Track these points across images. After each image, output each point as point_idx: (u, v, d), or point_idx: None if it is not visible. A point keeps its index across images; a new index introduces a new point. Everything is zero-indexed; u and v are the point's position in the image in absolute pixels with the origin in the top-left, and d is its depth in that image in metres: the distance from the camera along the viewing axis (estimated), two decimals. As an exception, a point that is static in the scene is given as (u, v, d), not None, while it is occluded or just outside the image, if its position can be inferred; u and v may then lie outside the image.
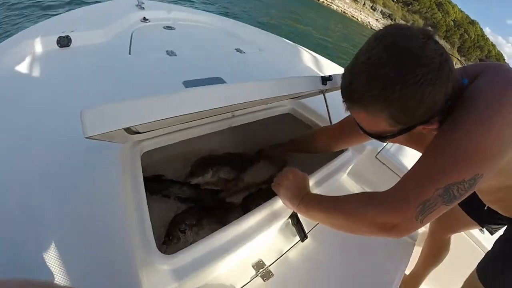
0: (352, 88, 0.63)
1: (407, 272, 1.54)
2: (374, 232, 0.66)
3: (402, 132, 0.66)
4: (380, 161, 1.36)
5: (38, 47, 1.40)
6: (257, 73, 1.62)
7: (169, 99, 0.57)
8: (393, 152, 1.43)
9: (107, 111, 0.50)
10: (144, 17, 2.12)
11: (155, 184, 1.15)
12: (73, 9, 2.16)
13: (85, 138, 0.49)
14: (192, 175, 1.23)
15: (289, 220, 0.98)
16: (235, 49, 1.97)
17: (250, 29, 2.55)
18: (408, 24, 0.68)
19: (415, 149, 0.86)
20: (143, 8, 2.25)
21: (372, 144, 1.34)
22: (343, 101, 0.67)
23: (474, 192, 1.06)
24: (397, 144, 1.51)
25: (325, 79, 0.96)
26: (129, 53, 1.55)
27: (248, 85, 0.68)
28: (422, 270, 1.48)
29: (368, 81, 0.60)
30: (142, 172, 0.82)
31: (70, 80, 1.24)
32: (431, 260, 1.44)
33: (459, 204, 1.20)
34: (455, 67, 0.72)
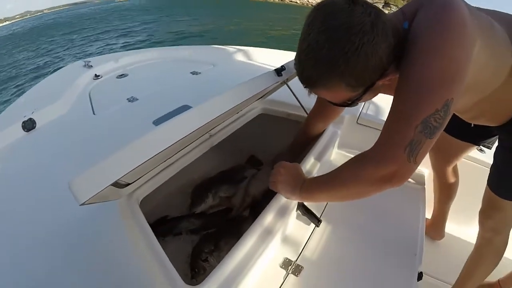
0: (305, 75, 0.68)
1: (428, 217, 1.59)
2: (378, 187, 0.69)
3: (365, 92, 0.71)
4: (362, 124, 1.41)
5: (5, 138, 1.40)
6: (218, 88, 1.65)
7: (143, 141, 0.59)
8: (370, 111, 1.48)
9: (90, 173, 0.52)
10: (96, 74, 2.13)
11: (163, 227, 1.16)
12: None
13: (80, 205, 0.51)
14: (194, 205, 1.24)
15: (298, 211, 1.00)
16: (191, 72, 2.00)
17: (197, 49, 2.60)
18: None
19: (389, 94, 0.91)
20: (91, 66, 2.26)
21: (348, 112, 1.39)
22: (304, 87, 0.72)
23: (456, 116, 1.11)
24: (371, 103, 1.56)
25: (279, 71, 0.99)
26: (94, 113, 1.57)
27: (210, 101, 0.71)
28: (441, 209, 1.53)
29: (315, 66, 0.64)
30: (146, 218, 0.84)
31: (48, 160, 1.24)
32: (445, 196, 1.49)
33: (448, 132, 1.24)
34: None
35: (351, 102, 0.75)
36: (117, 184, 0.78)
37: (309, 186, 0.85)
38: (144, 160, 0.57)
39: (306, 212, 1.00)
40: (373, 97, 0.85)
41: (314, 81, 0.68)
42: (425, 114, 0.62)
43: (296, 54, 0.69)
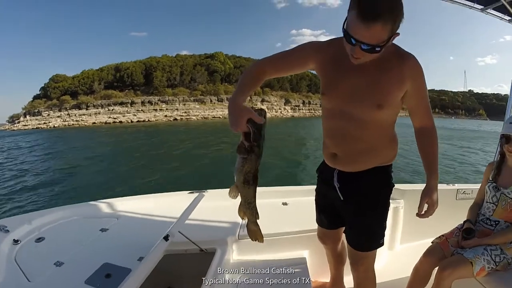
0: (378, 11, 1.00)
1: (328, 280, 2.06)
2: None
3: (389, 40, 1.08)
4: (242, 239, 1.95)
5: None
6: (125, 243, 2.01)
7: None
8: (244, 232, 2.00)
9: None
10: (14, 239, 2.13)
11: None
12: None
13: None
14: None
15: None
16: (100, 230, 2.23)
17: (104, 204, 2.78)
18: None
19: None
20: (8, 230, 2.22)
21: (229, 234, 1.94)
22: (364, 22, 1.01)
23: (327, 213, 1.67)
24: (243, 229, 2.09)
25: (166, 238, 1.31)
26: (29, 281, 1.63)
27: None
28: (338, 272, 1.96)
29: (390, 8, 1.02)
30: None
31: None
32: (340, 262, 1.92)
33: (326, 228, 1.76)
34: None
35: (380, 46, 1.07)
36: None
37: None
38: None
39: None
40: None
41: (381, 13, 1.00)
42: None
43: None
